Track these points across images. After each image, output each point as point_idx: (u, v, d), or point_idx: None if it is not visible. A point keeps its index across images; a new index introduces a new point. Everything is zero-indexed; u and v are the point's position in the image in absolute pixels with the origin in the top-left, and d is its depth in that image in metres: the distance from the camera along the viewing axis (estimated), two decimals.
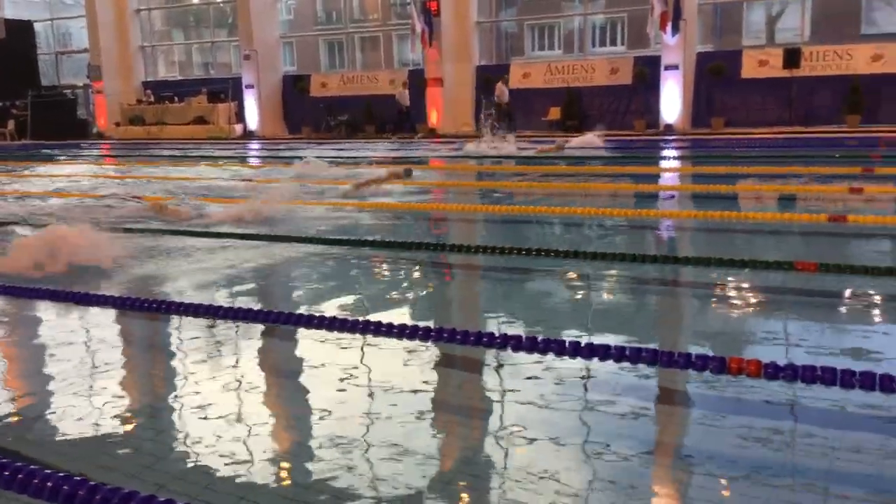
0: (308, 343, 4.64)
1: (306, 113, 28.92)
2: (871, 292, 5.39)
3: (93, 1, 31.34)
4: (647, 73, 23.68)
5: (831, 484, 2.79)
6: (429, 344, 4.31)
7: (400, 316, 5.21)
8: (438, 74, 25.90)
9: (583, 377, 3.84)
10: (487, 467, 3.00)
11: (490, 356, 4.16)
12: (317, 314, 4.81)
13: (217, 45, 34.76)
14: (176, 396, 3.88)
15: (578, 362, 3.87)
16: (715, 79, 23.10)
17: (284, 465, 3.08)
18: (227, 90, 29.65)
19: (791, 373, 3.41)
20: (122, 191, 11.98)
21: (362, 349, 4.37)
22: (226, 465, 3.00)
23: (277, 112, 29.93)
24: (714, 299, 5.58)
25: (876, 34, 24.11)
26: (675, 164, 16.04)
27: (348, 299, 5.77)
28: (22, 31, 33.20)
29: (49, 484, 2.50)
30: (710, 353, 3.84)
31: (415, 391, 3.77)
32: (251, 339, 4.79)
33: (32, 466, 2.63)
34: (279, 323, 4.71)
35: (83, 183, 14.13)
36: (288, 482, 2.90)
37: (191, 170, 16.18)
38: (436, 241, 7.84)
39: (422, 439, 3.22)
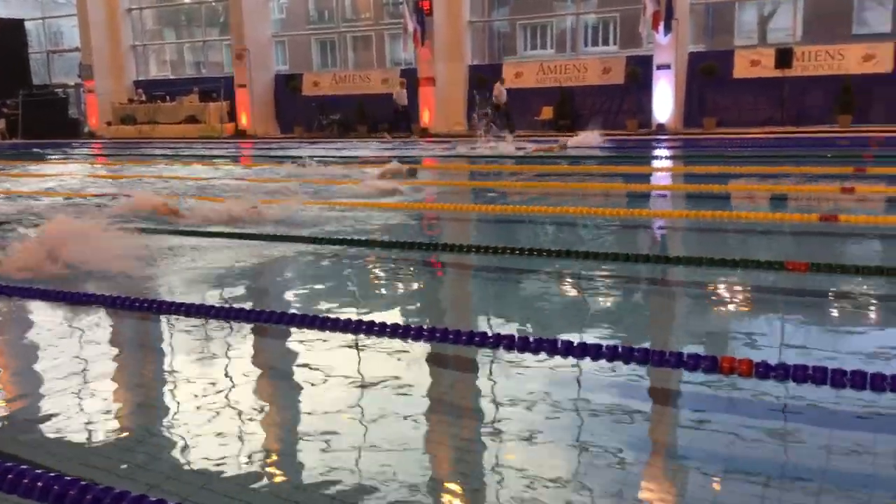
0: (301, 343, 4.63)
1: (298, 112, 28.85)
2: (862, 292, 5.41)
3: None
4: (640, 73, 23.70)
5: (823, 483, 2.79)
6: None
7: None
8: (431, 74, 25.87)
9: (575, 376, 3.84)
10: (480, 466, 3.00)
11: (484, 356, 4.16)
12: (310, 314, 4.80)
13: (209, 44, 34.66)
14: (169, 396, 3.87)
15: (570, 361, 3.88)
16: (707, 78, 23.13)
17: (277, 465, 3.08)
18: (218, 89, 29.55)
19: (782, 372, 3.43)
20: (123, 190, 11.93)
21: (357, 349, 4.37)
22: (219, 465, 2.99)
23: (269, 111, 29.85)
24: (705, 299, 5.59)
25: (867, 34, 24.20)
26: (668, 163, 16.07)
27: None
28: (13, 29, 33.04)
29: (39, 484, 2.49)
30: (702, 353, 3.85)
31: (409, 391, 3.77)
32: (244, 339, 4.78)
33: (22, 466, 2.62)
34: (272, 322, 4.70)
35: (74, 182, 14.08)
36: (281, 482, 2.90)
37: (194, 169, 16.14)
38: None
39: (415, 439, 3.22)
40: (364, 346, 4.36)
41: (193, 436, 3.28)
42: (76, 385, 3.95)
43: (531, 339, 3.96)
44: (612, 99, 24.53)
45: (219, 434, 3.26)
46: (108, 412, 3.61)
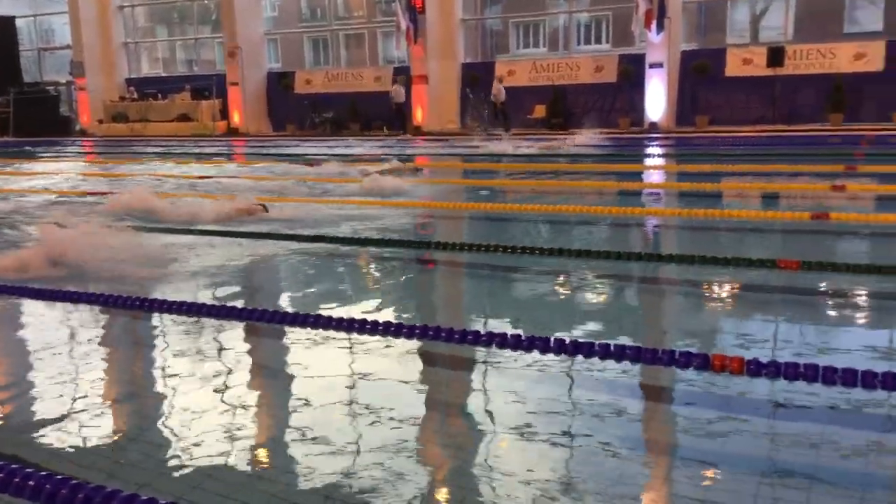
0: (294, 342, 4.63)
1: (291, 110, 28.80)
2: (853, 290, 5.42)
3: None
4: (632, 71, 23.73)
5: (814, 479, 2.80)
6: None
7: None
8: (423, 72, 25.86)
9: (567, 374, 3.85)
10: (472, 464, 3.00)
11: (479, 354, 4.16)
12: (302, 313, 4.79)
13: (201, 41, 34.55)
14: (161, 395, 3.86)
15: (563, 359, 3.89)
16: (699, 77, 23.17)
17: (270, 463, 3.07)
18: (211, 87, 29.49)
19: (773, 370, 3.43)
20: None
21: (350, 347, 4.36)
22: (211, 464, 2.99)
23: (262, 109, 29.79)
24: (697, 297, 5.61)
25: (858, 33, 24.25)
26: (660, 161, 16.09)
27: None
28: (4, 26, 32.87)
29: (31, 483, 2.48)
30: (694, 350, 3.86)
31: (402, 390, 3.77)
32: (237, 338, 4.77)
33: (13, 465, 2.61)
34: (264, 321, 4.69)
35: (67, 180, 14.03)
36: (274, 481, 2.89)
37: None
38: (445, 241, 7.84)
39: (408, 437, 3.22)
40: (360, 344, 4.36)
41: (186, 434, 3.27)
42: (68, 383, 3.94)
43: (523, 336, 3.96)
44: (604, 97, 24.56)
45: (211, 433, 3.25)
46: (99, 411, 3.60)
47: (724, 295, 5.57)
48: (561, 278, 6.17)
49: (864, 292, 5.38)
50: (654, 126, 22.87)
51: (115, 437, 3.33)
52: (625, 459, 2.98)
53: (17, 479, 2.50)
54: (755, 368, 3.44)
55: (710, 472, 2.87)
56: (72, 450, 3.16)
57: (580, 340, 3.92)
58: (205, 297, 5.54)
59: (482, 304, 5.65)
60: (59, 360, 4.33)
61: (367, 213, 8.94)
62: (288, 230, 7.74)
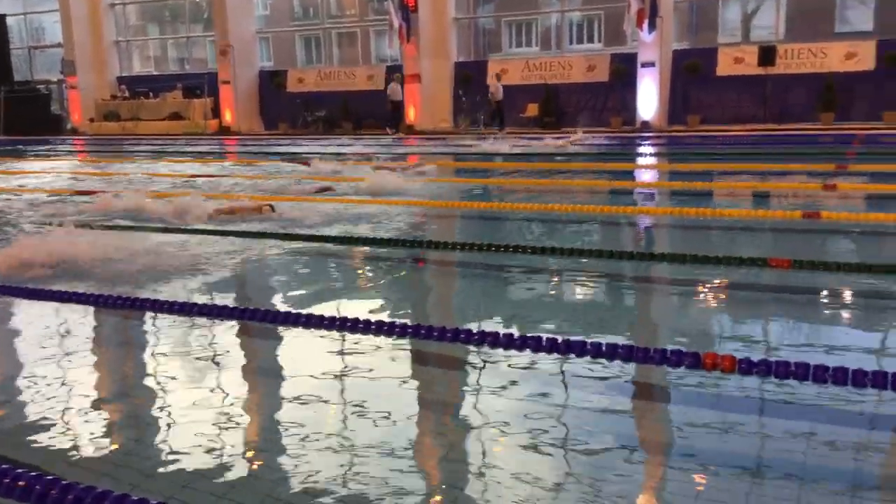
0: (287, 341, 4.62)
1: (283, 109, 28.74)
2: (844, 288, 5.44)
3: None
4: (624, 71, 23.77)
5: (805, 478, 2.81)
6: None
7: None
8: (416, 70, 25.85)
9: (559, 373, 3.85)
10: (466, 464, 3.00)
11: (471, 353, 4.16)
12: (295, 311, 4.79)
13: (192, 40, 34.45)
14: (153, 394, 3.85)
15: (554, 358, 3.89)
16: (691, 76, 23.22)
17: (262, 463, 3.07)
18: (202, 86, 29.41)
19: (765, 368, 3.44)
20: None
21: (342, 346, 4.36)
22: (203, 464, 2.98)
23: (254, 108, 29.72)
24: (689, 296, 5.62)
25: (849, 32, 24.37)
26: (652, 160, 16.11)
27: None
28: None
29: (21, 483, 2.47)
30: (685, 349, 3.87)
31: (394, 389, 3.77)
32: (229, 337, 4.76)
33: (3, 465, 2.59)
34: (256, 321, 4.68)
35: (58, 179, 13.98)
36: (265, 480, 2.89)
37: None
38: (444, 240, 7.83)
39: (400, 436, 3.22)
40: (355, 343, 4.35)
41: (177, 434, 3.26)
42: (58, 383, 3.92)
43: (515, 335, 3.96)
44: (596, 96, 24.60)
45: (203, 432, 3.25)
46: (90, 410, 3.58)
47: (715, 294, 5.59)
48: (554, 277, 6.17)
49: (855, 291, 5.39)
50: (645, 125, 22.91)
51: (107, 437, 3.32)
52: (616, 458, 2.98)
53: (6, 480, 2.49)
54: (746, 367, 3.45)
55: (701, 471, 2.87)
56: (62, 450, 3.15)
57: (572, 339, 3.93)
58: (201, 298, 5.53)
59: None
60: (49, 359, 4.31)
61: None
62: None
